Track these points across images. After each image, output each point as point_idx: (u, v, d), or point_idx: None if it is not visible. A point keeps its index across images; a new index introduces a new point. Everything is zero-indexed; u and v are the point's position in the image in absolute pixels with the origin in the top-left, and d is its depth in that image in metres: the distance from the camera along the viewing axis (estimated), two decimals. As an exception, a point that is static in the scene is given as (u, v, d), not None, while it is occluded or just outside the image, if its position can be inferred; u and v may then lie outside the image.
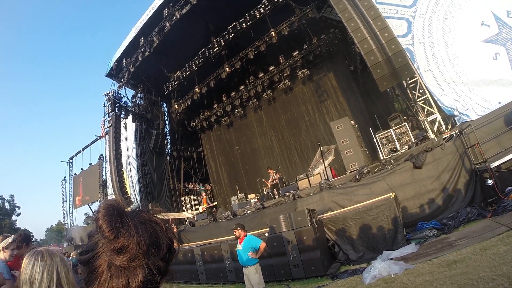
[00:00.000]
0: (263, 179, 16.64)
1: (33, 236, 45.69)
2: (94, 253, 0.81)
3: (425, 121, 10.86)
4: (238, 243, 6.03)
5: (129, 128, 21.35)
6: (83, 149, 29.85)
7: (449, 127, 10.42)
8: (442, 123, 10.73)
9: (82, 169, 29.57)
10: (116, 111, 19.80)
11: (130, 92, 22.30)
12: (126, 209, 0.85)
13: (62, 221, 32.90)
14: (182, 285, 10.22)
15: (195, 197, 21.89)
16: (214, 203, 21.02)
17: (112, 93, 19.53)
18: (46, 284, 1.58)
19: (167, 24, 17.28)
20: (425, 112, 10.96)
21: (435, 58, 10.26)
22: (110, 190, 21.57)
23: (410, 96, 11.39)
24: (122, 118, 20.75)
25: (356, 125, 14.06)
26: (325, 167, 12.79)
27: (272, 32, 17.10)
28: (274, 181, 15.07)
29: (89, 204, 28.35)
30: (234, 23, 17.74)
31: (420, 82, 10.80)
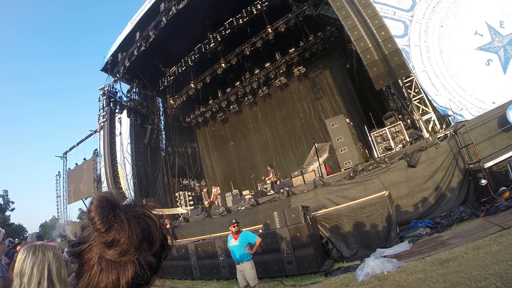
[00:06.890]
0: (263, 177, 16.68)
1: (26, 231, 45.50)
2: (86, 245, 0.79)
3: (420, 120, 10.91)
4: (233, 239, 6.01)
5: (124, 123, 21.21)
6: (78, 144, 29.67)
7: (444, 126, 10.48)
8: (436, 122, 10.78)
9: (76, 164, 29.39)
10: (111, 105, 19.65)
11: (125, 87, 22.15)
12: (120, 202, 0.83)
13: (56, 216, 32.74)
14: (176, 281, 10.21)
15: (189, 193, 21.82)
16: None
17: (107, 88, 19.37)
18: (37, 279, 1.55)
19: (164, 18, 17.16)
20: (420, 111, 11.00)
21: (431, 61, 10.33)
22: (104, 185, 21.46)
23: (406, 95, 11.40)
24: (117, 113, 20.58)
25: (351, 123, 14.12)
26: (319, 164, 12.82)
27: (269, 29, 17.06)
28: (271, 178, 15.10)
29: (83, 199, 28.19)
30: (231, 19, 17.69)
31: (415, 82, 10.82)
